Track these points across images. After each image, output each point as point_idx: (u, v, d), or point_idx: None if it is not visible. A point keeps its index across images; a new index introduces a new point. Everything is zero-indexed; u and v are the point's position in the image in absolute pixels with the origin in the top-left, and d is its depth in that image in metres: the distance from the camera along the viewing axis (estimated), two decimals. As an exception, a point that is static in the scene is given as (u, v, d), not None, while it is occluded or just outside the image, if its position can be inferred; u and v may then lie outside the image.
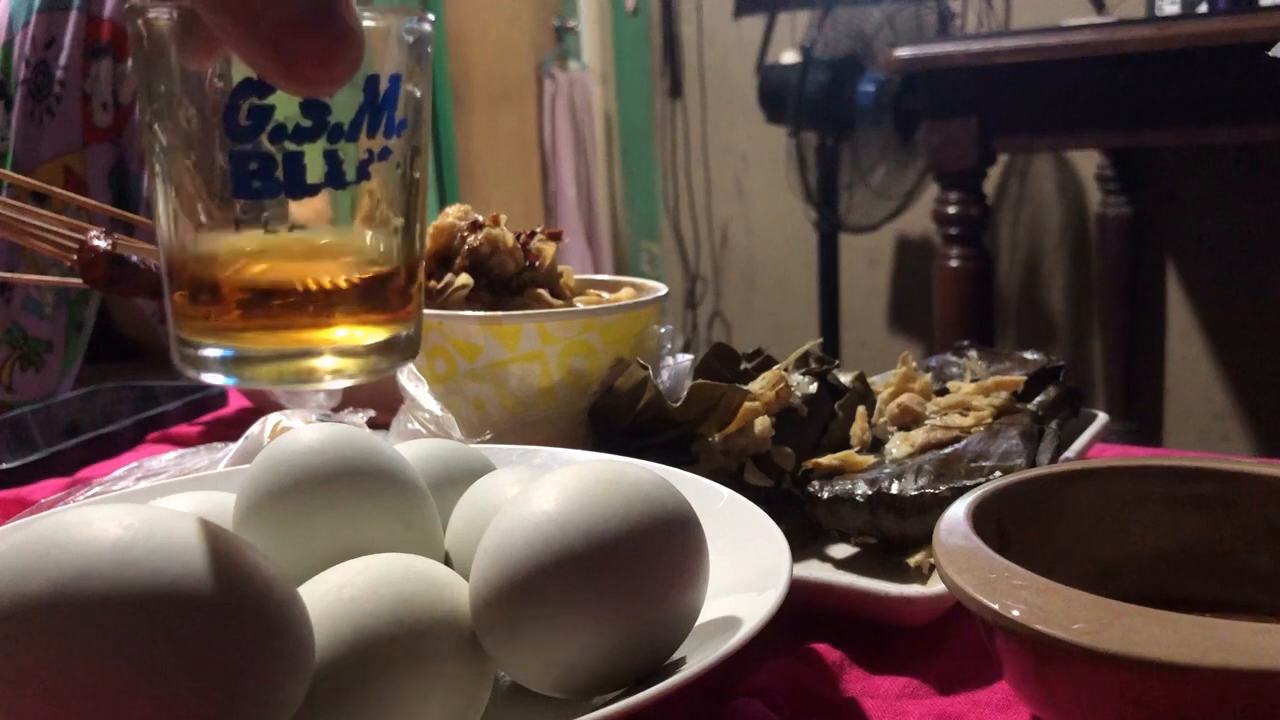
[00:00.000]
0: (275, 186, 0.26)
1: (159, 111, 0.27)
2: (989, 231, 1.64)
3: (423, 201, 0.29)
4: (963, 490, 0.41)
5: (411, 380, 0.54)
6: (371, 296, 0.28)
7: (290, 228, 0.27)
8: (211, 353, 0.28)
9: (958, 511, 0.34)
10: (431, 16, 0.29)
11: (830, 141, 2.10)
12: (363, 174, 0.27)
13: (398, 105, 0.27)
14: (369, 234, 0.28)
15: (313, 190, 0.26)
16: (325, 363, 0.28)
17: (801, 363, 0.56)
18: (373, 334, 0.28)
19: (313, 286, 0.27)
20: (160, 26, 0.26)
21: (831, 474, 0.48)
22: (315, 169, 0.26)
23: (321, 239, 0.28)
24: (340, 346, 0.28)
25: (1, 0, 1.15)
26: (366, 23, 0.24)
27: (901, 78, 1.99)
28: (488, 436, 0.52)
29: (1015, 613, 0.28)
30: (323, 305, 0.28)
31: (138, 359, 1.02)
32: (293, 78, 0.23)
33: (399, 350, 0.29)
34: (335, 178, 0.27)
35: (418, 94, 0.28)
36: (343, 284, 0.28)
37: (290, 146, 0.26)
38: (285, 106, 0.26)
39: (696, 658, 0.31)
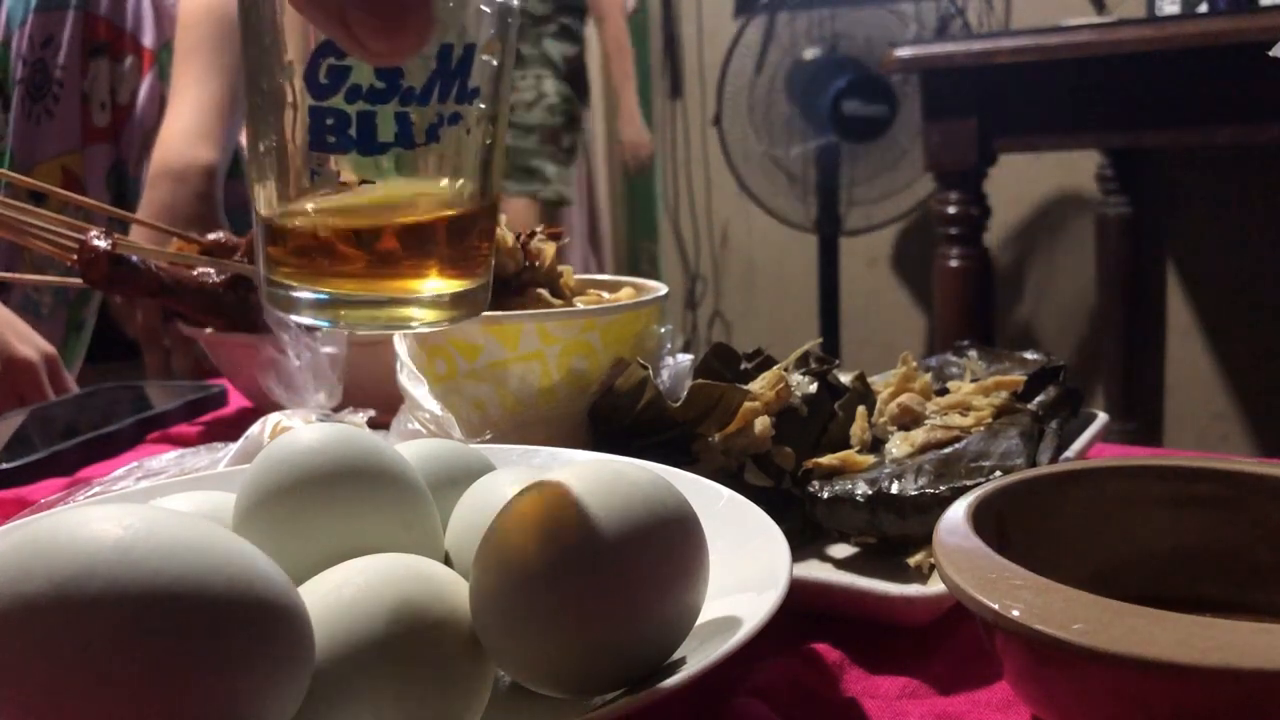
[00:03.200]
0: (348, 143, 0.28)
1: (256, 66, 0.28)
2: (989, 231, 1.63)
3: (498, 165, 0.31)
4: (963, 490, 0.41)
5: (411, 380, 0.54)
6: (449, 251, 0.30)
7: (361, 182, 0.28)
8: (304, 296, 0.29)
9: (958, 511, 0.34)
10: None
11: (830, 143, 2.10)
12: (432, 136, 0.28)
13: (470, 74, 0.28)
14: (443, 193, 0.30)
15: (383, 149, 0.28)
16: (413, 310, 0.30)
17: (801, 363, 0.56)
18: (452, 285, 0.30)
19: (396, 240, 0.29)
20: None
21: (831, 474, 0.48)
22: (387, 129, 0.28)
23: (400, 196, 0.29)
24: (423, 296, 0.30)
25: None
26: None
27: (902, 77, 2.00)
28: (488, 436, 0.52)
29: (1015, 613, 0.28)
30: (405, 258, 0.30)
31: (138, 359, 1.02)
32: (359, 49, 0.25)
33: (472, 301, 0.31)
34: (405, 138, 0.28)
35: (494, 63, 0.29)
36: (421, 239, 0.30)
37: (364, 106, 0.27)
38: (362, 68, 0.27)
39: (696, 658, 0.31)
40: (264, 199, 0.29)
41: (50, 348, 0.88)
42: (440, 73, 0.28)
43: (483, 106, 0.29)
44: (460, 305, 0.31)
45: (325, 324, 0.30)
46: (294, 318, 0.30)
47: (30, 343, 0.87)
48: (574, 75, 2.41)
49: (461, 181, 0.30)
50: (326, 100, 0.27)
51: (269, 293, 0.30)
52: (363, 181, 0.28)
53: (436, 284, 0.30)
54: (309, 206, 0.29)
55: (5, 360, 0.84)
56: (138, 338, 0.99)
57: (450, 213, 0.30)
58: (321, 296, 0.29)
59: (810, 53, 2.13)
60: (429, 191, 0.30)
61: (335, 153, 0.28)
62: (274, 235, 0.30)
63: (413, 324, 0.30)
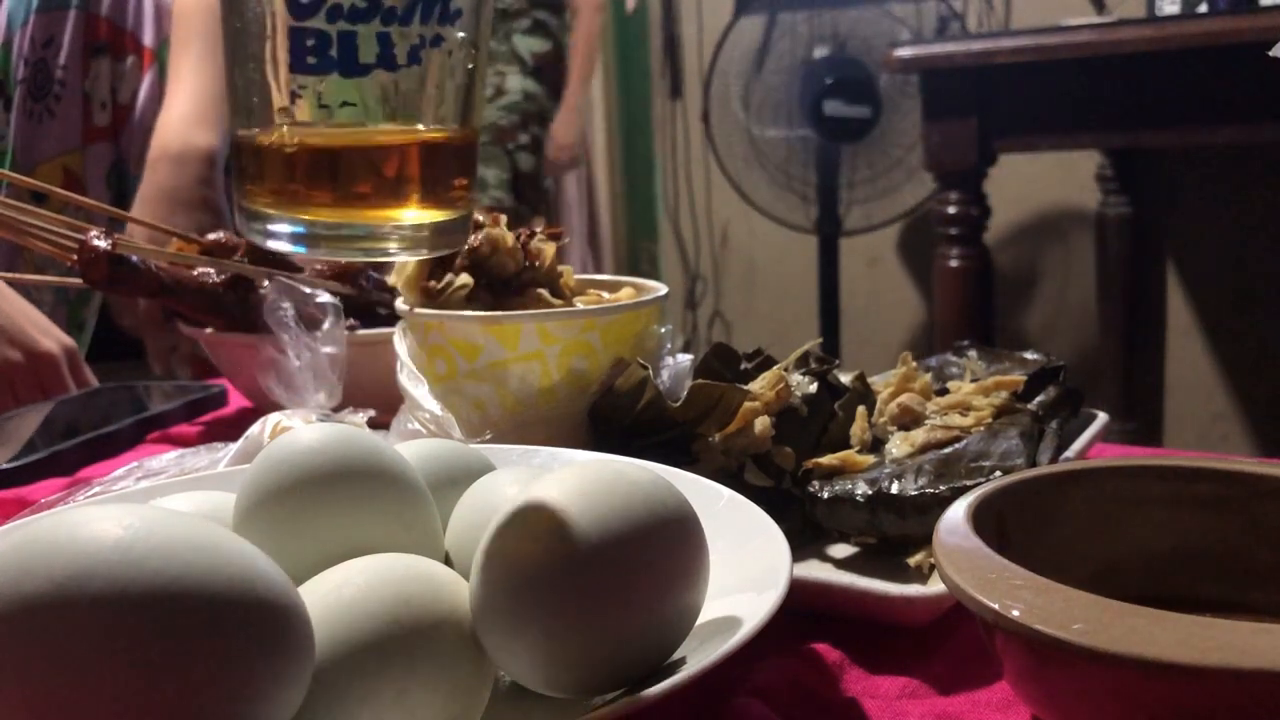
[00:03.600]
0: (330, 64, 0.28)
1: None
2: (989, 231, 1.63)
3: (478, 94, 0.31)
4: (963, 490, 0.41)
5: (411, 380, 0.54)
6: (429, 181, 0.30)
7: (343, 104, 0.28)
8: (282, 226, 0.29)
9: (958, 511, 0.34)
10: None
11: (829, 142, 2.10)
12: (414, 59, 0.28)
13: None
14: (424, 120, 0.30)
15: (364, 70, 0.28)
16: (391, 241, 0.30)
17: (801, 363, 0.56)
18: (431, 216, 0.30)
19: (375, 168, 0.29)
20: None
21: (831, 474, 0.48)
22: (368, 49, 0.28)
23: (379, 124, 0.29)
24: (402, 226, 0.30)
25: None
26: None
27: (890, 79, 2.00)
28: (488, 436, 0.52)
29: (1015, 613, 0.28)
30: (384, 186, 0.30)
31: (138, 359, 1.02)
32: None
33: (451, 235, 0.31)
34: (387, 59, 0.28)
35: None
36: (400, 167, 0.30)
37: (345, 26, 0.27)
38: None
39: (696, 658, 0.31)
40: (242, 128, 0.29)
41: (70, 341, 0.89)
42: None
43: (463, 32, 0.29)
44: (439, 237, 0.31)
45: (302, 250, 0.30)
46: (271, 245, 0.29)
47: (52, 336, 0.87)
48: (545, 73, 2.34)
49: (442, 108, 0.30)
50: (307, 20, 0.27)
51: (246, 224, 0.30)
52: (344, 104, 0.28)
53: (415, 214, 0.30)
54: (288, 134, 0.29)
55: (28, 354, 0.85)
56: (136, 326, 0.99)
57: (430, 141, 0.30)
58: (298, 228, 0.29)
59: (806, 53, 2.13)
60: (410, 119, 0.29)
61: (317, 74, 0.28)
62: (251, 165, 0.29)
63: (390, 253, 0.30)
